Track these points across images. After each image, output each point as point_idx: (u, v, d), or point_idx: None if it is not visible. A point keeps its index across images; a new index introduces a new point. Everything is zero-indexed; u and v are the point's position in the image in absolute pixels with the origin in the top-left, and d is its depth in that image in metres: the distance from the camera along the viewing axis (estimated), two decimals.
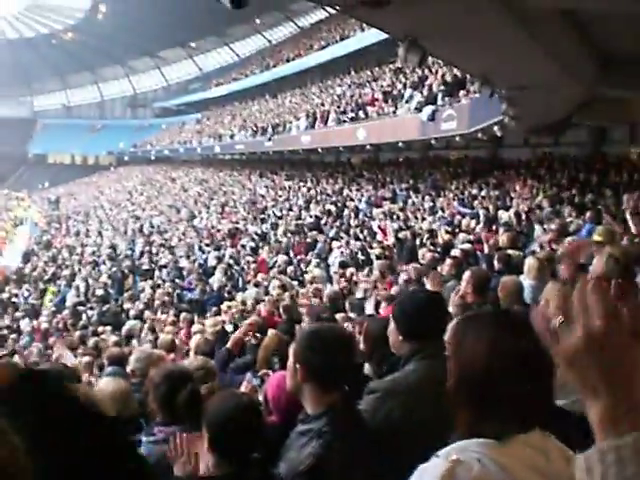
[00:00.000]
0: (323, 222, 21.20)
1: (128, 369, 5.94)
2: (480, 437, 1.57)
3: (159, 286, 18.81)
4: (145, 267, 22.60)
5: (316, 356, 2.58)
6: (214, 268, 19.61)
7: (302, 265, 16.92)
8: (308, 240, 19.51)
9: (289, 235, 20.94)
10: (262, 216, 26.27)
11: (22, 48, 72.00)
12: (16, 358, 12.81)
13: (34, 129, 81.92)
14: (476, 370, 1.66)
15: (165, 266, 21.81)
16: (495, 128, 14.86)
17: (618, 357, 0.92)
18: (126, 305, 17.12)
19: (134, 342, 11.23)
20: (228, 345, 6.32)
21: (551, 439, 1.64)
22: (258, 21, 60.60)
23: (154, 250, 25.99)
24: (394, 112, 22.46)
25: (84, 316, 17.17)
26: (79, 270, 24.99)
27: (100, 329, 13.23)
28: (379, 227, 17.68)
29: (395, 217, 18.36)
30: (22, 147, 77.19)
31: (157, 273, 21.44)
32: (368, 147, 24.71)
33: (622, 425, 0.91)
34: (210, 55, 74.03)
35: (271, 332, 5.49)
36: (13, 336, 16.99)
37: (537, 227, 11.86)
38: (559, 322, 0.98)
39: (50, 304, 20.25)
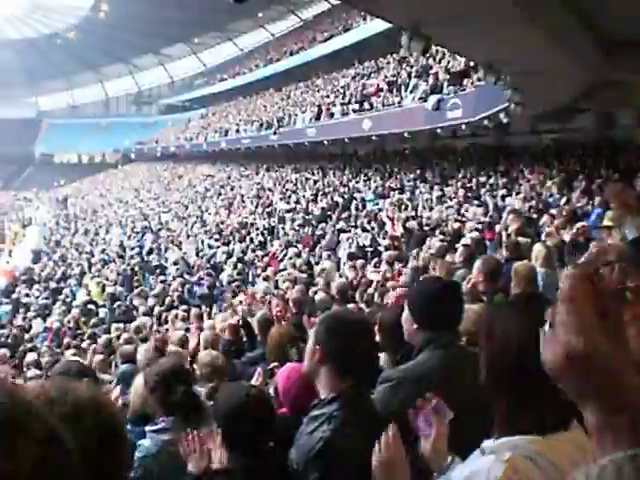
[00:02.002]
0: (331, 214, 21.16)
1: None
2: (519, 430, 1.55)
3: (169, 283, 18.84)
4: (154, 263, 22.63)
5: (336, 339, 2.58)
6: (224, 263, 19.63)
7: (311, 258, 16.90)
8: (317, 232, 19.50)
9: (297, 228, 20.93)
10: (269, 210, 26.26)
11: (25, 49, 72.11)
12: (30, 357, 12.85)
13: (40, 129, 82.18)
14: (507, 359, 1.63)
15: (174, 262, 21.82)
16: (501, 115, 14.83)
17: (602, 369, 0.88)
18: (136, 302, 17.14)
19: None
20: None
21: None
22: (260, 15, 60.47)
23: (163, 246, 26.04)
24: (399, 102, 22.42)
25: (100, 314, 17.25)
26: (89, 268, 25.04)
27: (114, 327, 13.22)
28: (388, 217, 17.63)
29: (403, 207, 18.32)
30: (28, 147, 77.42)
31: (167, 269, 21.48)
32: (374, 138, 24.68)
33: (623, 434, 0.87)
34: (214, 50, 73.97)
35: (282, 324, 5.45)
36: (26, 336, 17.03)
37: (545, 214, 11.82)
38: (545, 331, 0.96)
39: (104, 294, 20.08)
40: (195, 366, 5.06)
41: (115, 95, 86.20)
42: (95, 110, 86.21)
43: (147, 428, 3.49)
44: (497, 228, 11.12)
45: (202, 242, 24.69)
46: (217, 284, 17.19)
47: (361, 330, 2.69)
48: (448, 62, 20.97)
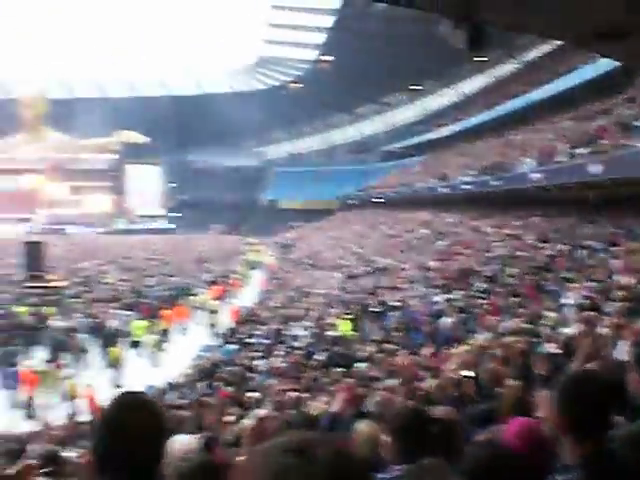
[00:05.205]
0: (556, 262, 20.42)
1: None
2: None
3: (387, 328, 18.97)
4: (374, 309, 22.85)
5: (581, 407, 2.43)
6: (443, 310, 19.44)
7: (535, 308, 16.33)
8: (540, 281, 18.85)
9: (520, 276, 20.35)
10: (490, 256, 25.76)
11: (253, 100, 76.65)
12: (254, 395, 13.26)
13: (265, 177, 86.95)
14: None
15: (394, 307, 21.93)
16: None
17: None
18: (355, 347, 17.34)
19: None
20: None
21: None
22: (483, 59, 60.30)
23: (382, 292, 26.28)
24: (631, 144, 21.37)
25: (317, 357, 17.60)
26: (310, 311, 25.72)
27: (333, 371, 13.38)
28: (619, 267, 16.70)
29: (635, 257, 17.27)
30: (254, 194, 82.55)
31: (385, 314, 21.61)
32: (604, 182, 23.60)
33: None
34: (433, 97, 74.66)
35: (509, 383, 5.25)
36: (250, 375, 17.69)
37: None
38: None
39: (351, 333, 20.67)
40: None
41: (337, 143, 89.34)
42: (317, 158, 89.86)
43: (380, 476, 3.44)
44: None
45: (422, 288, 24.66)
46: (437, 331, 17.02)
47: (607, 393, 2.53)
48: None
